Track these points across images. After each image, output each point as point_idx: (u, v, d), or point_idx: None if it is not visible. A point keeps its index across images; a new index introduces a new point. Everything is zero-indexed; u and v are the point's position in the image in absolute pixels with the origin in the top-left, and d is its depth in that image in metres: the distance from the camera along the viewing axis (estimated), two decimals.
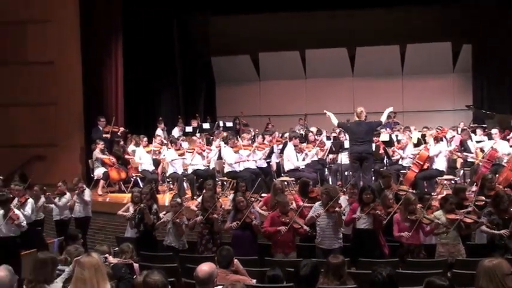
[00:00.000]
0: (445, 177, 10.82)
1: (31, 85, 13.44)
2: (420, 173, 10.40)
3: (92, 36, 13.84)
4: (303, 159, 11.30)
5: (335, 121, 10.28)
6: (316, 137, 12.63)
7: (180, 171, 11.56)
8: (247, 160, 11.31)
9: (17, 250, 7.73)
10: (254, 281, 5.53)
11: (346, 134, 11.33)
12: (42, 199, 9.52)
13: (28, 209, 8.54)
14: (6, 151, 13.31)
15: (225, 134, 13.44)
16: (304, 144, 11.94)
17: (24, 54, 13.47)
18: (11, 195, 8.45)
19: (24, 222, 7.93)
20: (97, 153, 12.21)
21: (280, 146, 12.42)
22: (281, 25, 18.42)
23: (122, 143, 13.18)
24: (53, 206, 9.70)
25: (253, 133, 13.57)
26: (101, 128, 13.06)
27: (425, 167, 10.45)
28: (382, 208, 7.21)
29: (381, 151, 11.62)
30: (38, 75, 13.44)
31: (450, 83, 18.61)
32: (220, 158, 12.01)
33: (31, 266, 4.65)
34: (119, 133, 13.39)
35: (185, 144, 12.57)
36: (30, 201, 8.76)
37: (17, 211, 7.94)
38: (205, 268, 4.40)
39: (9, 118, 13.58)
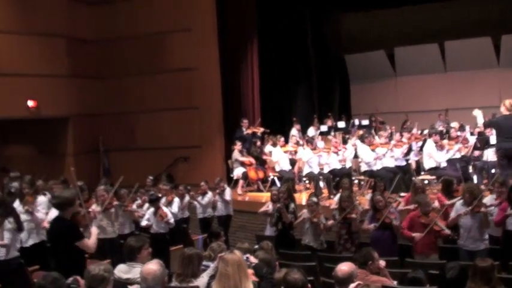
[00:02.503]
0: None
1: (176, 91, 14.30)
2: None
3: (229, 41, 14.44)
4: None
5: (480, 121, 9.65)
6: (458, 133, 11.97)
7: (316, 170, 11.60)
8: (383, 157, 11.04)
9: (166, 246, 8.22)
10: (395, 282, 5.38)
11: (493, 130, 10.58)
12: (187, 198, 10.09)
13: (175, 207, 9.13)
14: (156, 153, 14.32)
15: (360, 132, 13.25)
16: (446, 141, 11.37)
17: (169, 62, 14.38)
18: (159, 195, 9.08)
19: (172, 219, 8.46)
20: (236, 154, 12.67)
21: (420, 143, 11.97)
22: (417, 17, 17.69)
23: (259, 143, 13.56)
24: (196, 204, 10.24)
25: (390, 131, 13.22)
26: (244, 129, 13.55)
27: None
28: None
29: None
30: (182, 81, 14.26)
31: None
32: (356, 156, 11.86)
33: (179, 261, 4.94)
34: (259, 133, 13.79)
35: (321, 144, 12.59)
36: (176, 200, 9.35)
37: (165, 209, 8.50)
38: (344, 268, 4.38)
39: (158, 122, 14.55)
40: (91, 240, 5.58)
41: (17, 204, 7.59)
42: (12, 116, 12.88)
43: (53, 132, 14.25)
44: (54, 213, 7.15)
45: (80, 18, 14.40)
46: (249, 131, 13.57)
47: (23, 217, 7.30)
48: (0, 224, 6.63)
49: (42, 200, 8.29)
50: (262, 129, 13.96)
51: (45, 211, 8.09)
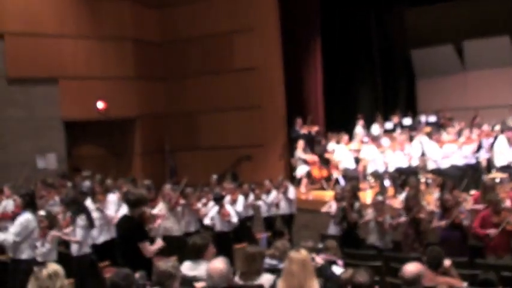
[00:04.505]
0: None
1: (239, 91, 14.44)
2: None
3: (292, 39, 14.41)
4: None
5: None
6: None
7: (381, 168, 11.38)
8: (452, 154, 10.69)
9: (229, 244, 8.27)
10: (465, 284, 5.21)
11: None
12: (251, 196, 10.15)
13: (239, 206, 9.21)
14: (220, 152, 14.51)
15: (427, 129, 12.88)
16: None
17: (231, 62, 14.53)
18: (223, 193, 9.18)
19: (234, 218, 8.53)
20: (299, 152, 12.63)
21: (491, 140, 11.50)
22: (486, 8, 17.02)
23: (323, 142, 13.45)
24: (260, 203, 10.28)
25: (459, 127, 12.78)
26: (297, 128, 13.49)
27: None
28: None
29: None
30: (245, 81, 14.37)
31: None
32: (423, 154, 11.54)
33: (242, 259, 4.98)
34: (312, 132, 13.70)
35: (386, 141, 12.34)
36: (241, 198, 9.44)
37: (228, 208, 8.58)
38: (411, 268, 4.29)
39: (222, 122, 14.74)
40: (153, 247, 5.57)
41: (89, 203, 7.88)
42: (83, 117, 13.42)
43: (121, 132, 14.72)
44: (123, 211, 7.39)
45: (146, 21, 14.81)
46: (304, 130, 13.49)
47: (94, 215, 7.57)
48: (72, 222, 6.91)
49: (112, 198, 8.57)
50: (316, 128, 13.86)
51: (115, 209, 8.36)
